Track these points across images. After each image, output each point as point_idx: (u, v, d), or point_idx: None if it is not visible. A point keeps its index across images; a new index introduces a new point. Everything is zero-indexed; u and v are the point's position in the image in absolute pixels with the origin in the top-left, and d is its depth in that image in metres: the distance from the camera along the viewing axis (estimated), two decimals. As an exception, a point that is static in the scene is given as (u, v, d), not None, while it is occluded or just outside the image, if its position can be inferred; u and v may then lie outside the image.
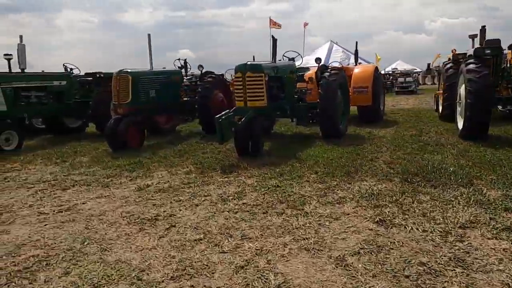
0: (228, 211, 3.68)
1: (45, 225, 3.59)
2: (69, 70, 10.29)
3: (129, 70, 7.61)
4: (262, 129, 6.51)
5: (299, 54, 8.35)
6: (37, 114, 9.38)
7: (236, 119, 6.33)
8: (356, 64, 11.54)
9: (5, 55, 8.37)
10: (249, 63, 6.67)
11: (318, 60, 8.11)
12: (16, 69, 8.62)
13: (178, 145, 7.46)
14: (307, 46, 39.01)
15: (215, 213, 3.67)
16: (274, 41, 7.63)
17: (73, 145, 8.09)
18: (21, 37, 8.55)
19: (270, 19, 24.86)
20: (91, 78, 10.23)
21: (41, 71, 10.19)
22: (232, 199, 4.04)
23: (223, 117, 6.15)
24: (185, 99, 9.10)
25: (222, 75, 9.74)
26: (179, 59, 9.72)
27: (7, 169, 6.10)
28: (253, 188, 4.39)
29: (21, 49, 8.50)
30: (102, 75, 9.82)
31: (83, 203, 4.17)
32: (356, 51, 12.20)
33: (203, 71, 9.38)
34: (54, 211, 3.96)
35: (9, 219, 3.78)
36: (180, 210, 3.81)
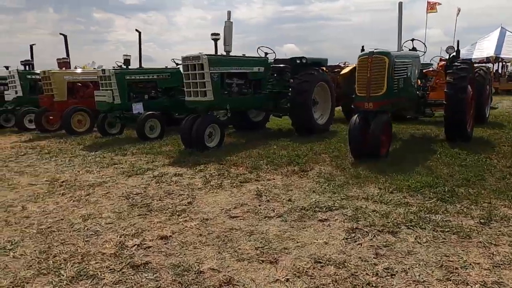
0: None
1: None
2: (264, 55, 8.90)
3: (383, 50, 5.64)
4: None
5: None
6: (239, 106, 8.06)
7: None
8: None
9: (212, 34, 7.04)
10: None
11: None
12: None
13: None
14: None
15: None
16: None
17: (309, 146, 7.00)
18: (229, 13, 7.16)
19: (428, 2, 21.58)
20: (284, 65, 8.67)
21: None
22: None
23: None
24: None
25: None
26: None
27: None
28: None
29: (228, 27, 7.09)
30: (305, 60, 8.07)
31: None
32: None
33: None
34: None
35: None
36: None
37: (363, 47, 12.38)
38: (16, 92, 11.74)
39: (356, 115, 5.76)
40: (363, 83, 5.68)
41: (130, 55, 8.92)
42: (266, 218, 3.61)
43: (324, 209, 3.77)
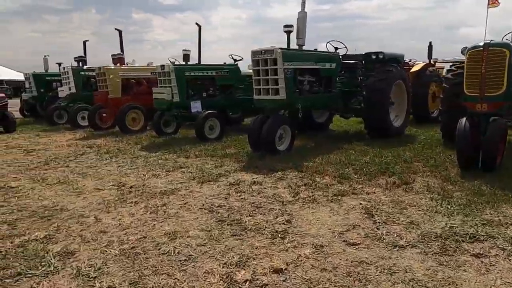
0: None
1: None
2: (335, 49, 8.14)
3: (503, 42, 4.75)
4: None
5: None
6: (310, 106, 7.35)
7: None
8: None
9: (285, 26, 6.36)
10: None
11: None
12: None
13: None
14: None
15: None
16: None
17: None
18: (303, 2, 6.45)
19: (489, -3, 19.93)
20: (354, 61, 7.87)
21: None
22: None
23: None
24: None
25: None
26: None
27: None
28: None
29: (302, 18, 6.38)
30: (382, 56, 7.25)
31: None
32: None
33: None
34: None
35: None
36: None
37: (430, 43, 11.41)
38: (70, 89, 11.62)
39: (465, 118, 4.89)
40: (476, 81, 4.80)
41: (189, 50, 8.42)
42: (397, 248, 2.87)
43: (467, 238, 2.98)
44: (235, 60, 9.39)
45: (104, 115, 10.43)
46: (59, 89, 12.12)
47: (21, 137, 9.75)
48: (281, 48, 6.21)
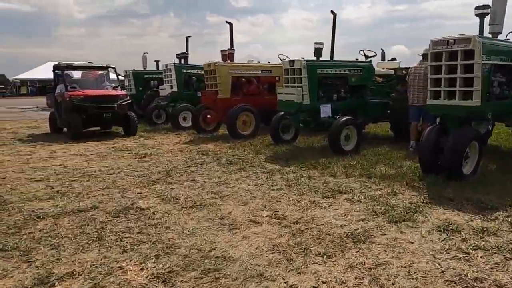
0: None
1: None
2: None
3: None
4: None
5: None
6: (502, 115, 5.56)
7: None
8: None
9: (478, 8, 4.71)
10: None
11: None
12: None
13: None
14: None
15: None
16: None
17: None
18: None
19: None
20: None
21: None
22: None
23: None
24: None
25: None
26: None
27: None
28: None
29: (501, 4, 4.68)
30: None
31: None
32: None
33: None
34: None
35: None
36: None
37: None
38: (172, 87, 10.93)
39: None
40: None
41: (322, 43, 7.02)
42: None
43: None
44: (367, 57, 7.85)
45: (208, 116, 9.50)
46: (160, 87, 11.51)
47: (125, 137, 9.16)
48: (480, 36, 4.54)
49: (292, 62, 6.79)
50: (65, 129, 9.83)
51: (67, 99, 8.80)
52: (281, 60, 8.12)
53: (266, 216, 3.68)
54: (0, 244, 3.06)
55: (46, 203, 4.08)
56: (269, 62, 10.11)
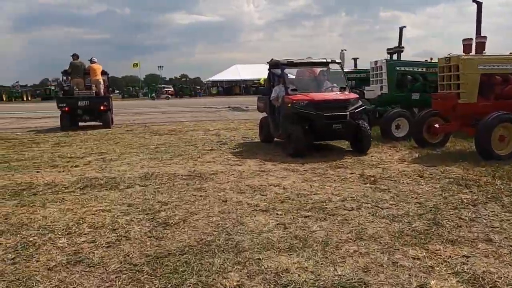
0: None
1: None
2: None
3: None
4: None
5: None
6: None
7: None
8: None
9: None
10: None
11: None
12: None
13: None
14: None
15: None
16: None
17: None
18: None
19: None
20: None
21: None
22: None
23: None
24: None
25: None
26: None
27: None
28: None
29: None
30: None
31: None
32: None
33: None
34: None
35: None
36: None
37: None
38: (381, 88, 9.19)
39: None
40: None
41: None
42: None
43: None
44: None
45: (436, 126, 7.37)
46: (366, 88, 9.92)
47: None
48: None
49: None
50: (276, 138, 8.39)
51: (289, 105, 7.05)
52: None
53: None
54: None
55: (287, 259, 2.91)
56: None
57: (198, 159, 7.06)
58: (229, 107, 23.67)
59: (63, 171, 6.20)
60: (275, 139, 8.46)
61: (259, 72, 56.21)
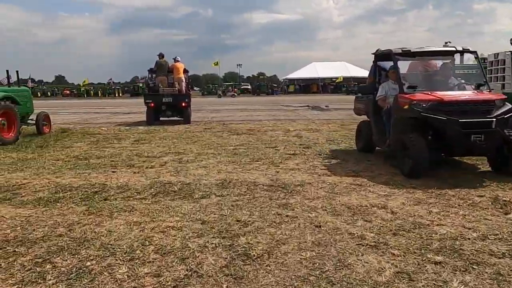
0: None
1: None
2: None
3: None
4: None
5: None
6: None
7: None
8: None
9: None
10: None
11: None
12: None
13: None
14: None
15: None
16: None
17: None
18: None
19: None
20: None
21: None
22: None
23: None
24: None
25: None
26: None
27: None
28: None
29: None
30: None
31: None
32: None
33: None
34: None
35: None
36: None
37: None
38: (503, 86, 7.53)
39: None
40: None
41: None
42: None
43: None
44: None
45: None
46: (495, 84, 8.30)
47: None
48: None
49: None
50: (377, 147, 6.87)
51: (405, 106, 5.38)
52: None
53: None
54: None
55: None
56: None
57: (280, 164, 6.26)
58: (308, 106, 22.67)
59: (138, 172, 5.81)
60: (377, 148, 6.97)
61: (337, 70, 54.64)
